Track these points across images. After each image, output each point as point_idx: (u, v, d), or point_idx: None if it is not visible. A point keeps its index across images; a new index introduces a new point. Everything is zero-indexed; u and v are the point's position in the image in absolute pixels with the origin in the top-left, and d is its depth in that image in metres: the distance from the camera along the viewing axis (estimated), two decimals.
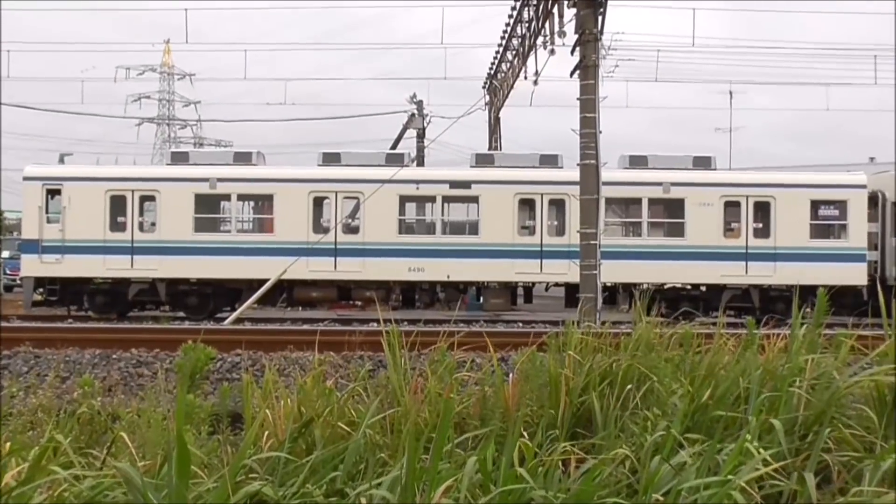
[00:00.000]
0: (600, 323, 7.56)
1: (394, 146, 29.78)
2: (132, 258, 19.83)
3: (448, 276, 19.89)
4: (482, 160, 20.82)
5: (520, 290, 21.22)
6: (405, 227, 20.98)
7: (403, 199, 20.43)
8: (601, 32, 14.74)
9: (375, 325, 15.73)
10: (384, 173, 18.87)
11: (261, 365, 9.76)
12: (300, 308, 23.25)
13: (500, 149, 31.08)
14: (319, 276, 19.87)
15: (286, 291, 20.32)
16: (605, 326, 5.48)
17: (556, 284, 20.56)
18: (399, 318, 6.45)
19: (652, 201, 20.26)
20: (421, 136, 30.81)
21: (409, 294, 20.51)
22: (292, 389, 4.58)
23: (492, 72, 28.27)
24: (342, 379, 5.43)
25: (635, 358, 4.80)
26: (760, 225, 19.98)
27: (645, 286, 19.54)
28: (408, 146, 30.65)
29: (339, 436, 4.10)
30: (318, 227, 20.16)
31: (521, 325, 17.32)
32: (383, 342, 4.91)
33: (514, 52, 24.06)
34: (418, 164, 28.51)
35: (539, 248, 19.85)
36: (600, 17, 14.69)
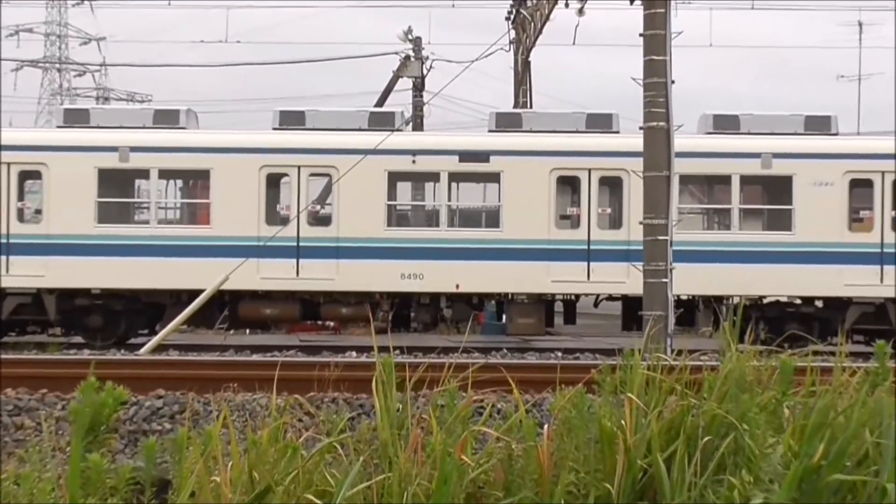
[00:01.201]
0: (672, 352, 7.60)
1: (380, 102, 29.80)
2: (7, 260, 19.91)
3: (457, 286, 19.95)
4: (505, 122, 20.89)
5: (558, 306, 21.32)
6: (396, 217, 21.00)
7: (394, 177, 20.51)
8: None
9: (355, 354, 15.76)
10: (367, 140, 18.91)
11: (192, 411, 9.80)
12: (248, 331, 23.29)
13: (531, 106, 31.10)
14: (275, 285, 19.97)
15: (228, 307, 20.43)
16: (679, 357, 5.51)
17: (610, 298, 20.63)
18: (388, 346, 6.47)
19: (746, 179, 20.29)
20: (419, 87, 30.87)
21: (403, 311, 20.58)
22: (241, 446, 4.63)
23: None
24: (310, 431, 5.47)
25: (724, 404, 4.83)
26: None
27: (736, 300, 19.55)
28: (400, 102, 30.70)
29: None
30: (274, 217, 20.26)
31: (559, 354, 17.36)
32: (373, 381, 4.95)
33: None
34: (415, 128, 28.54)
35: (585, 247, 19.91)
36: None
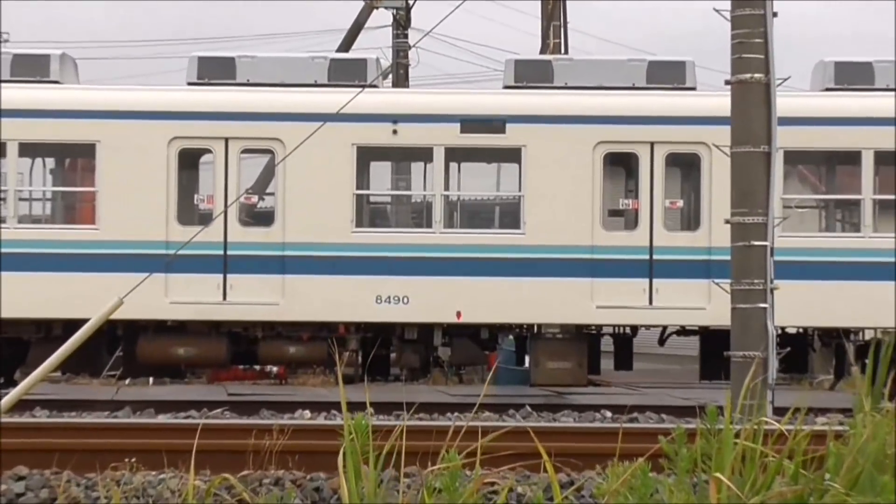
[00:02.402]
0: (776, 411, 7.59)
1: (346, 45, 29.77)
2: None
3: (459, 315, 19.91)
4: (530, 74, 20.89)
5: (606, 343, 21.32)
6: (370, 214, 21.00)
7: (366, 155, 20.56)
8: None
9: (308, 414, 15.69)
10: (326, 101, 18.86)
11: (69, 498, 9.77)
12: (151, 380, 23.18)
13: (567, 51, 31.07)
14: (192, 312, 19.96)
15: (123, 345, 20.38)
16: (790, 419, 5.50)
17: (682, 331, 20.65)
18: (358, 402, 6.44)
19: (884, 157, 20.20)
20: (402, 23, 30.84)
21: (379, 350, 20.49)
22: None
23: None
24: None
25: (856, 489, 4.79)
26: None
27: (869, 334, 19.45)
28: (375, 44, 30.62)
29: None
30: (190, 213, 20.28)
31: (609, 415, 17.33)
32: (339, 453, 4.91)
33: None
34: (396, 83, 28.46)
35: (646, 256, 19.90)
36: None
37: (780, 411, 11.08)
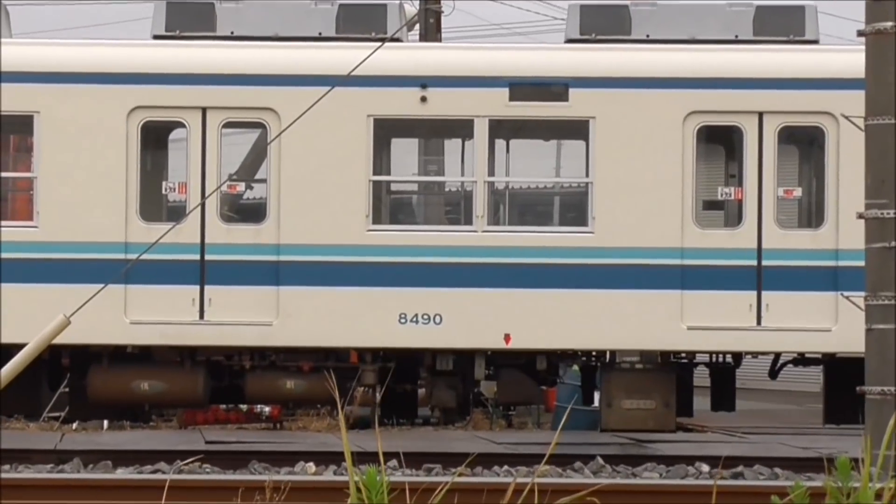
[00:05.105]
0: None
1: None
2: None
3: (507, 339, 19.86)
4: (599, 23, 20.86)
5: (699, 375, 21.34)
6: (391, 206, 21.05)
7: (386, 130, 20.73)
8: None
9: (312, 467, 15.68)
10: (333, 60, 18.88)
11: None
12: (105, 423, 23.24)
13: None
14: (159, 335, 20.03)
15: (69, 378, 20.51)
16: None
17: (800, 359, 20.69)
18: (376, 452, 6.40)
19: None
20: None
21: (403, 384, 20.50)
22: None
23: None
24: None
25: None
26: None
27: None
28: None
29: None
30: (156, 206, 20.49)
31: (706, 468, 17.30)
32: None
33: None
34: (425, 36, 28.43)
35: (754, 262, 19.82)
36: None
37: None
